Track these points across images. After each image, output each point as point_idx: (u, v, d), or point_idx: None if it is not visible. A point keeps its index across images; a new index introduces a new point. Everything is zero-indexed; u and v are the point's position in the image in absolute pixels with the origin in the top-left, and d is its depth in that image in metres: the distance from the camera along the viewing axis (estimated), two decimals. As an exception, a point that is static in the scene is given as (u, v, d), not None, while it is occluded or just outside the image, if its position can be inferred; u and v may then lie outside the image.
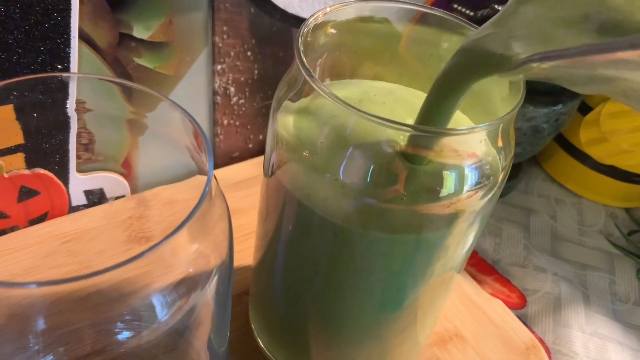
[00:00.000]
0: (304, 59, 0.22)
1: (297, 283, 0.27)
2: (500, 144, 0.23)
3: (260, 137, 0.45)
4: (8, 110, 0.32)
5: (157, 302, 0.19)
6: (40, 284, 0.16)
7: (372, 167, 0.22)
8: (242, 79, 0.40)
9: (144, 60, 0.35)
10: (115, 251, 0.34)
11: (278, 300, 0.29)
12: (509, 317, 0.36)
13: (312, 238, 0.24)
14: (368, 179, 0.22)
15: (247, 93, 0.41)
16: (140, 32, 0.33)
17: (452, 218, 0.23)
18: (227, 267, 0.20)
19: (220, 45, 0.37)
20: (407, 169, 0.22)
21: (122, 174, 0.38)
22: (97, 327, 0.24)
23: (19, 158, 0.34)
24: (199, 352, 0.23)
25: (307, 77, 0.21)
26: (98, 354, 0.26)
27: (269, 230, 0.27)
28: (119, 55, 0.34)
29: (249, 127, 0.43)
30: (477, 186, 0.23)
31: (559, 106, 0.40)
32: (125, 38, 0.33)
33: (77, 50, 0.32)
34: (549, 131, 0.42)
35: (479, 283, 0.39)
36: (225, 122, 0.41)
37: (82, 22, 0.31)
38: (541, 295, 0.40)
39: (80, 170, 0.36)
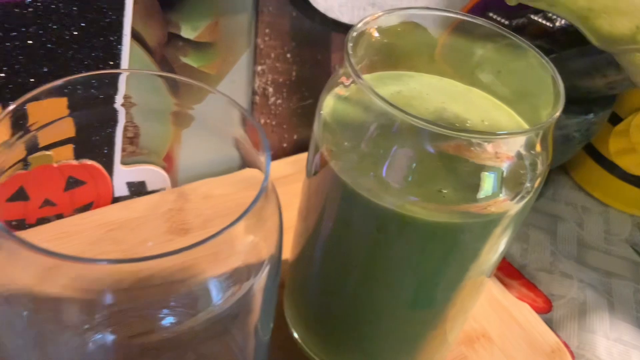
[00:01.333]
0: (353, 62, 0.23)
1: (334, 277, 0.28)
2: (538, 149, 0.24)
3: (295, 137, 0.46)
4: (62, 104, 0.33)
5: (213, 287, 0.21)
6: (111, 261, 0.17)
7: (414, 166, 0.23)
8: (281, 80, 0.41)
9: (189, 60, 0.36)
10: (157, 241, 0.35)
11: (313, 294, 0.30)
12: (535, 320, 0.37)
13: (354, 233, 0.25)
14: (410, 178, 0.23)
15: (284, 94, 0.42)
16: (187, 32, 0.35)
17: (487, 220, 0.24)
18: (277, 259, 0.22)
19: (262, 46, 0.38)
20: (449, 170, 0.23)
21: (163, 167, 0.40)
22: (149, 310, 0.25)
23: (68, 149, 0.36)
24: (246, 339, 0.24)
25: (356, 79, 0.23)
26: (146, 336, 0.27)
27: (309, 228, 0.28)
28: (166, 54, 0.35)
29: (284, 126, 0.45)
30: (514, 190, 0.24)
31: (591, 115, 0.41)
32: (173, 37, 0.35)
33: (129, 48, 0.33)
34: (579, 140, 0.43)
35: (506, 287, 0.40)
36: (262, 121, 0.43)
37: (134, 21, 0.33)
38: (567, 300, 0.40)
39: (124, 162, 0.38)
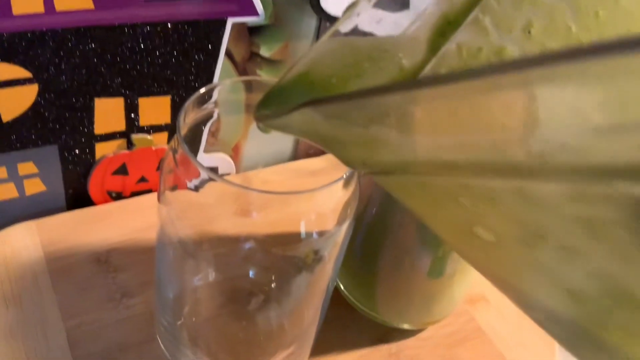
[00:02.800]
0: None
1: (377, 241, 0.38)
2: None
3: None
4: (166, 100, 0.43)
5: (313, 226, 0.30)
6: (261, 191, 0.27)
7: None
8: (327, 92, 0.51)
9: (263, 73, 0.46)
10: (229, 217, 0.45)
11: (359, 253, 0.40)
12: (523, 290, 0.47)
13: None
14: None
15: (328, 103, 0.52)
16: (265, 51, 0.45)
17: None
18: (356, 215, 0.31)
19: (317, 65, 0.48)
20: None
21: (230, 156, 0.49)
22: (258, 250, 0.35)
23: (164, 135, 0.46)
24: (322, 283, 0.33)
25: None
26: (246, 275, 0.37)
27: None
28: (247, 68, 0.45)
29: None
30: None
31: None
32: (254, 55, 0.45)
33: (222, 62, 0.43)
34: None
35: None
36: (309, 124, 0.53)
37: (228, 42, 0.43)
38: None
39: (205, 151, 0.47)
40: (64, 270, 0.41)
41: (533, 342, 0.43)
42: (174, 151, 0.29)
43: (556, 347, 0.43)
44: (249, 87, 0.35)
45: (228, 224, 0.35)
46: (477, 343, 0.42)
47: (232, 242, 0.35)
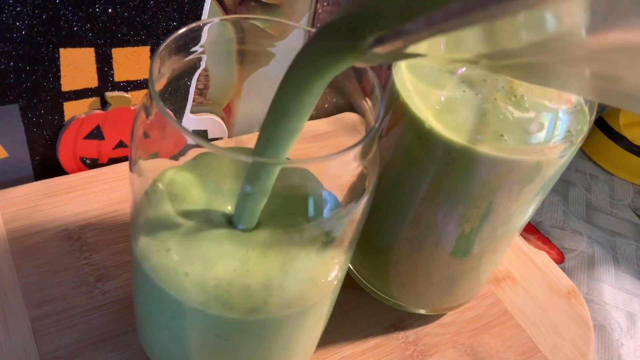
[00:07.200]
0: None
1: (394, 215, 0.32)
2: (582, 115, 0.28)
3: (334, 99, 0.50)
4: (145, 50, 0.37)
5: (328, 198, 0.24)
6: (248, 157, 0.21)
7: (482, 111, 0.27)
8: (331, 43, 0.45)
9: (257, 20, 0.40)
10: (223, 185, 0.39)
11: (373, 230, 0.34)
12: (553, 266, 0.41)
13: (423, 170, 0.29)
14: (478, 121, 0.27)
15: (332, 57, 0.46)
16: (259, -6, 0.39)
17: (535, 169, 0.28)
18: (374, 189, 0.25)
19: (320, 11, 0.42)
20: (510, 115, 0.27)
21: (222, 118, 0.43)
22: None
23: (144, 93, 0.40)
24: (337, 263, 0.28)
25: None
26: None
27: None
28: (239, 13, 0.39)
29: (326, 90, 0.48)
30: (564, 137, 0.28)
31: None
32: (246, -2, 0.38)
33: (209, 5, 0.37)
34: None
35: (524, 240, 0.44)
36: (310, 81, 0.46)
37: (217, -19, 0.36)
38: (577, 253, 0.45)
39: (192, 111, 0.41)
40: (29, 250, 0.35)
41: (567, 326, 0.38)
42: (147, 110, 0.23)
43: (593, 333, 0.38)
44: (240, 29, 0.28)
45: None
46: (504, 329, 0.37)
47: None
